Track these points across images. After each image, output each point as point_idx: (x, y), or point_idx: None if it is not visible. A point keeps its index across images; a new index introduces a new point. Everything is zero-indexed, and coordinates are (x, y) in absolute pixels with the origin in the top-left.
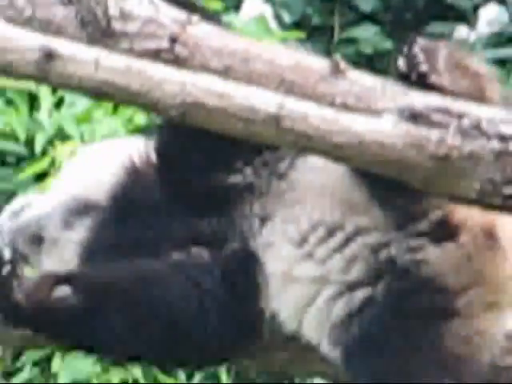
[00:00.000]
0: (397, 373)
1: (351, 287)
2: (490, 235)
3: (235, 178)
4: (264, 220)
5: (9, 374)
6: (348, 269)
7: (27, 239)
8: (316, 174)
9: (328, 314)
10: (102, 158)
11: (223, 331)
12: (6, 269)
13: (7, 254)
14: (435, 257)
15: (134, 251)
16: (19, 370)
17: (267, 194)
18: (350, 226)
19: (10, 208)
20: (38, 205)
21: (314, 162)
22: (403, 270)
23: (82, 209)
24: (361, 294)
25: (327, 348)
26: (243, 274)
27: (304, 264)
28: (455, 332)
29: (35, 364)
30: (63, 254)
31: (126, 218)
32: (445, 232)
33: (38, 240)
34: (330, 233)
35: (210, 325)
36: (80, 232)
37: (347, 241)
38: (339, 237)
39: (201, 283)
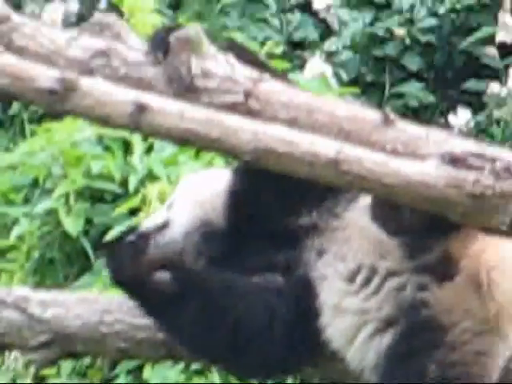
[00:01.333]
0: None
1: (384, 325)
2: (478, 277)
3: (304, 220)
4: (320, 254)
5: (106, 382)
6: (381, 308)
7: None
8: (361, 217)
9: (368, 348)
10: (211, 182)
11: (289, 345)
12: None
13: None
14: (436, 297)
15: (225, 271)
16: (115, 377)
17: (325, 231)
18: (381, 269)
19: (153, 221)
20: (176, 224)
21: (362, 204)
22: (413, 308)
23: (206, 233)
24: (391, 331)
25: (369, 375)
26: (306, 298)
27: (351, 299)
28: (449, 359)
29: (129, 372)
30: None
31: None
32: (446, 271)
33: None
34: (370, 275)
35: (278, 337)
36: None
37: (381, 284)
38: (376, 280)
39: (273, 302)
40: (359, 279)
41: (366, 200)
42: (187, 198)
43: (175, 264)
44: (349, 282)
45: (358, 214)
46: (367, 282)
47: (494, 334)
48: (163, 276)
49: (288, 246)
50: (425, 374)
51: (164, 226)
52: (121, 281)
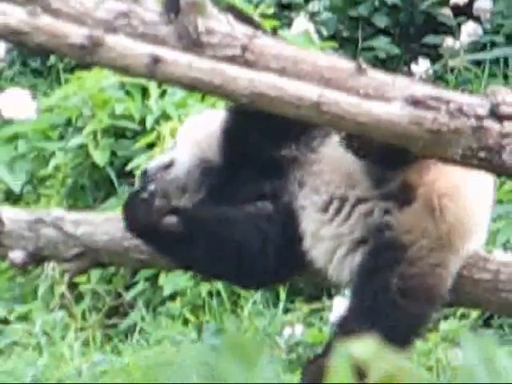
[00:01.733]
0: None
1: (355, 246)
2: (433, 202)
3: (286, 152)
4: (300, 185)
5: (127, 287)
6: (353, 232)
7: (175, 189)
8: (334, 151)
9: (343, 267)
10: (207, 124)
11: (279, 261)
12: (147, 195)
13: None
14: (398, 220)
15: (222, 201)
16: (135, 283)
17: (304, 164)
18: (351, 198)
19: (158, 161)
20: (179, 163)
21: (335, 139)
22: (379, 231)
23: (205, 168)
24: (361, 251)
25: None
26: (291, 224)
27: (327, 228)
28: (409, 272)
29: (147, 279)
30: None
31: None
32: (405, 197)
33: (182, 191)
34: (341, 204)
35: (270, 255)
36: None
37: (351, 211)
38: (346, 208)
39: (264, 226)
40: (332, 209)
41: (336, 137)
42: (187, 139)
43: (179, 208)
44: (323, 213)
45: (332, 148)
46: (339, 210)
47: (446, 249)
48: (171, 220)
49: (274, 176)
50: (389, 287)
51: (169, 164)
52: (135, 230)
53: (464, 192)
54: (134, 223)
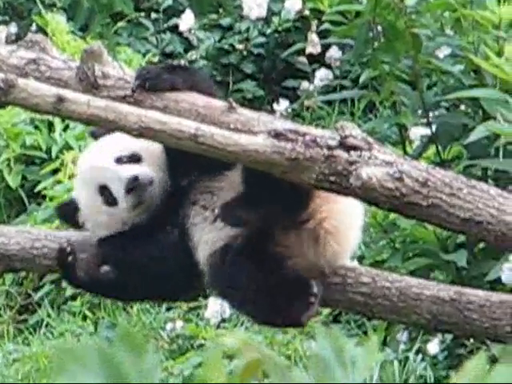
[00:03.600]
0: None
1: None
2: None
3: (184, 182)
4: (194, 204)
5: (35, 289)
6: (237, 238)
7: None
8: (232, 173)
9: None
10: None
11: (188, 275)
12: (70, 258)
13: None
14: (280, 235)
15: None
16: (42, 286)
17: (201, 186)
18: None
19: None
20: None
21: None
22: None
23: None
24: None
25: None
26: (187, 242)
27: (212, 234)
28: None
29: (52, 282)
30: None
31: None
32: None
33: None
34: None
35: (183, 272)
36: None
37: None
38: None
39: (174, 250)
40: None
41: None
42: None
43: (107, 257)
44: (212, 224)
45: (235, 173)
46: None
47: (319, 271)
48: (104, 269)
49: (180, 204)
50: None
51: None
52: (78, 286)
53: (345, 224)
54: (74, 281)
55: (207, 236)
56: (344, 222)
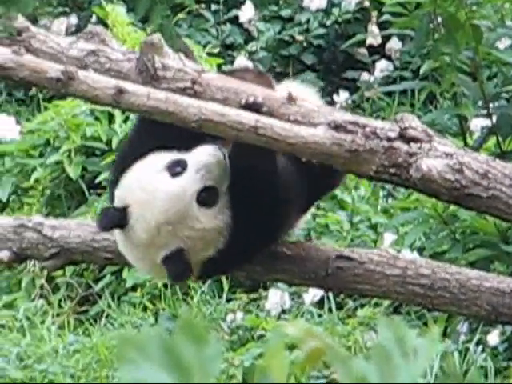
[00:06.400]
0: None
1: None
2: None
3: None
4: None
5: (96, 280)
6: None
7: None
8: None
9: None
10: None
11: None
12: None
13: None
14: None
15: None
16: (102, 277)
17: None
18: None
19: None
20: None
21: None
22: None
23: None
24: None
25: None
26: None
27: None
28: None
29: (112, 273)
30: None
31: None
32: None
33: None
34: None
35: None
36: None
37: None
38: None
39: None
40: None
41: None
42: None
43: None
44: None
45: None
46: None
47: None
48: None
49: None
50: None
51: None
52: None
53: None
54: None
55: None
56: None
